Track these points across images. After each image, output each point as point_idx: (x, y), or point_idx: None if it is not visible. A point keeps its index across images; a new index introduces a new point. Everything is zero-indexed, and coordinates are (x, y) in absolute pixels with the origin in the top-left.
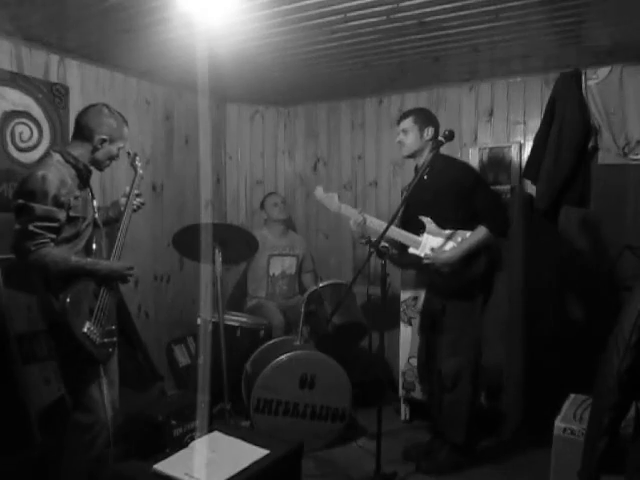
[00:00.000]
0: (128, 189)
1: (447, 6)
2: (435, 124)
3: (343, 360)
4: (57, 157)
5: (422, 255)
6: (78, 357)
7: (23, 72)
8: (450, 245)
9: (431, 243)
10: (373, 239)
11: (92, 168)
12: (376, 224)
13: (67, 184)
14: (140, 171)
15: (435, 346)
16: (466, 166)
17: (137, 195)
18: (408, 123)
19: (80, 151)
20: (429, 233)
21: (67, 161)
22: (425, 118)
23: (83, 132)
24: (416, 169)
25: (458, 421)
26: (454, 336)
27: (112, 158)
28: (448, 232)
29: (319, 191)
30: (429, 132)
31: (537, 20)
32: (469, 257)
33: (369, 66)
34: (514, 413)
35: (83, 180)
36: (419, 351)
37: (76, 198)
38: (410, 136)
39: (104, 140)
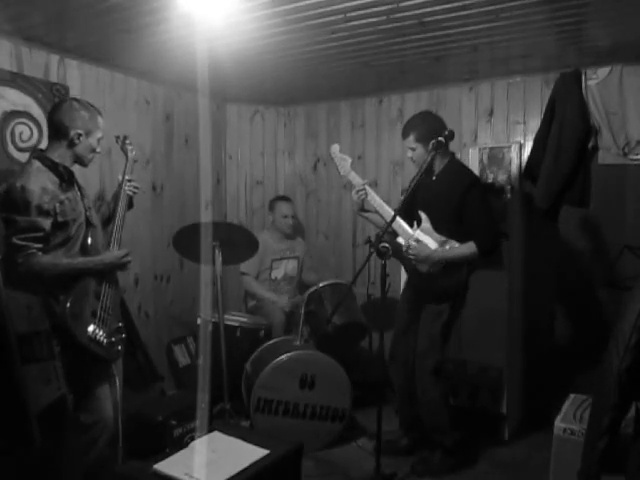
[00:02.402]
0: (120, 177)
1: (447, 6)
2: (437, 133)
3: (343, 360)
4: (36, 164)
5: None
6: (86, 359)
7: (23, 72)
8: (436, 247)
9: (421, 239)
10: (373, 239)
11: (73, 168)
12: (377, 202)
13: (49, 190)
14: (131, 154)
15: (409, 344)
16: (473, 180)
17: (129, 180)
18: (411, 142)
19: (59, 151)
20: (422, 230)
21: (46, 166)
22: (426, 132)
23: (58, 130)
24: (429, 170)
25: (440, 426)
26: (419, 339)
27: (94, 151)
28: (439, 236)
29: (335, 148)
30: (434, 144)
31: (537, 20)
32: (449, 266)
33: (369, 66)
34: (514, 413)
35: (65, 182)
36: (394, 337)
37: (61, 202)
38: (417, 153)
39: (80, 134)
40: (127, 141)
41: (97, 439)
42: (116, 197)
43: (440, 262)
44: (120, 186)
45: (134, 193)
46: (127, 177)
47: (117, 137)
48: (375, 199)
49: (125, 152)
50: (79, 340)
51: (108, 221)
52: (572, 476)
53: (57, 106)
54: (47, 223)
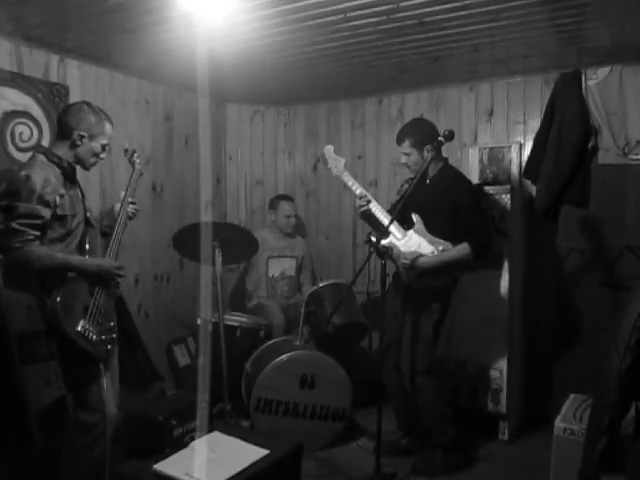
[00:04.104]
0: (123, 194)
1: (447, 6)
2: (432, 139)
3: (343, 360)
4: (41, 158)
5: (402, 249)
6: (77, 356)
7: (23, 72)
8: (430, 249)
9: (413, 241)
10: (373, 238)
11: (77, 167)
12: (378, 211)
13: (51, 182)
14: (138, 167)
15: (396, 344)
16: (466, 182)
17: (131, 203)
18: (406, 147)
19: (63, 150)
20: (415, 231)
21: (51, 160)
22: (421, 138)
23: (64, 130)
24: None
25: (438, 424)
26: (412, 338)
27: (96, 155)
28: (432, 237)
29: (329, 149)
30: (429, 150)
31: (537, 20)
32: (443, 266)
33: (369, 66)
34: (514, 413)
35: (69, 178)
36: (385, 342)
37: (62, 196)
38: (412, 158)
39: (83, 136)
40: (135, 154)
41: (100, 437)
42: (110, 213)
43: (437, 266)
44: (121, 204)
45: (133, 215)
46: (129, 199)
47: (125, 150)
48: (377, 209)
49: (133, 165)
50: (67, 334)
51: (103, 235)
52: (572, 476)
53: (67, 107)
54: (46, 212)
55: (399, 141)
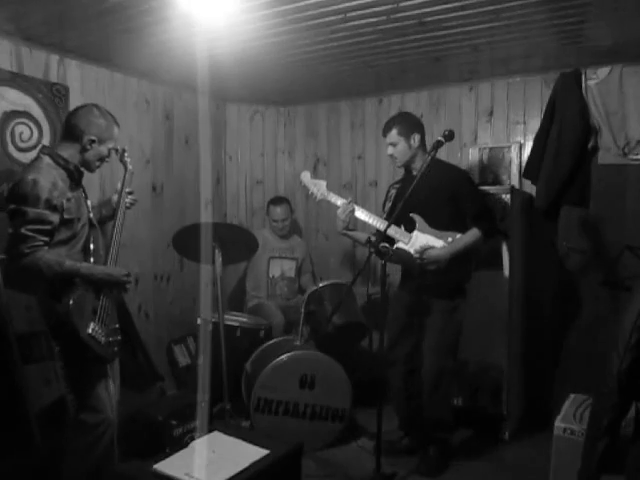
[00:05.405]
0: (120, 186)
1: (447, 6)
2: (419, 128)
3: (343, 360)
4: (47, 160)
5: (411, 251)
6: (84, 358)
7: (23, 72)
8: (439, 243)
9: (421, 240)
10: (373, 238)
11: (82, 169)
12: (365, 214)
13: (58, 186)
14: (130, 166)
15: (411, 344)
16: (458, 170)
17: (129, 193)
18: (394, 136)
19: (70, 152)
20: (419, 230)
21: (57, 163)
22: (408, 126)
23: (72, 132)
24: (408, 170)
25: (444, 418)
26: (435, 336)
27: (102, 159)
28: (437, 231)
29: (306, 175)
30: (416, 139)
31: (537, 20)
32: (458, 260)
33: (369, 66)
34: (514, 413)
35: (74, 181)
36: (390, 340)
37: (69, 200)
38: (399, 148)
39: (93, 141)
40: (126, 153)
41: (102, 438)
42: (107, 203)
43: (451, 257)
44: (119, 195)
45: (131, 205)
46: (127, 190)
47: (115, 150)
48: (363, 212)
49: (124, 164)
50: (81, 337)
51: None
52: (572, 476)
53: (76, 109)
54: (55, 217)
55: (386, 131)
